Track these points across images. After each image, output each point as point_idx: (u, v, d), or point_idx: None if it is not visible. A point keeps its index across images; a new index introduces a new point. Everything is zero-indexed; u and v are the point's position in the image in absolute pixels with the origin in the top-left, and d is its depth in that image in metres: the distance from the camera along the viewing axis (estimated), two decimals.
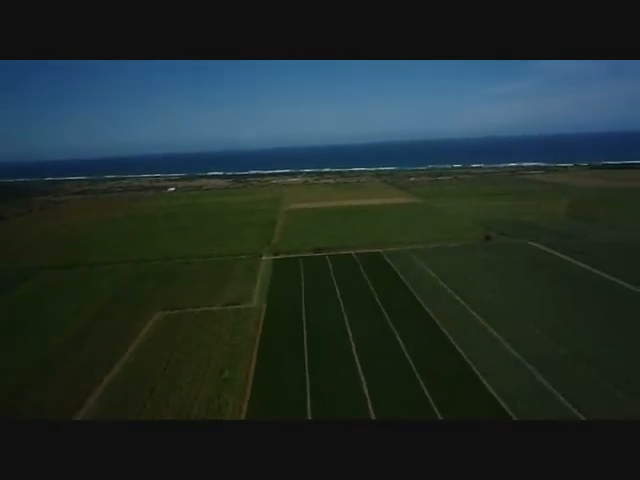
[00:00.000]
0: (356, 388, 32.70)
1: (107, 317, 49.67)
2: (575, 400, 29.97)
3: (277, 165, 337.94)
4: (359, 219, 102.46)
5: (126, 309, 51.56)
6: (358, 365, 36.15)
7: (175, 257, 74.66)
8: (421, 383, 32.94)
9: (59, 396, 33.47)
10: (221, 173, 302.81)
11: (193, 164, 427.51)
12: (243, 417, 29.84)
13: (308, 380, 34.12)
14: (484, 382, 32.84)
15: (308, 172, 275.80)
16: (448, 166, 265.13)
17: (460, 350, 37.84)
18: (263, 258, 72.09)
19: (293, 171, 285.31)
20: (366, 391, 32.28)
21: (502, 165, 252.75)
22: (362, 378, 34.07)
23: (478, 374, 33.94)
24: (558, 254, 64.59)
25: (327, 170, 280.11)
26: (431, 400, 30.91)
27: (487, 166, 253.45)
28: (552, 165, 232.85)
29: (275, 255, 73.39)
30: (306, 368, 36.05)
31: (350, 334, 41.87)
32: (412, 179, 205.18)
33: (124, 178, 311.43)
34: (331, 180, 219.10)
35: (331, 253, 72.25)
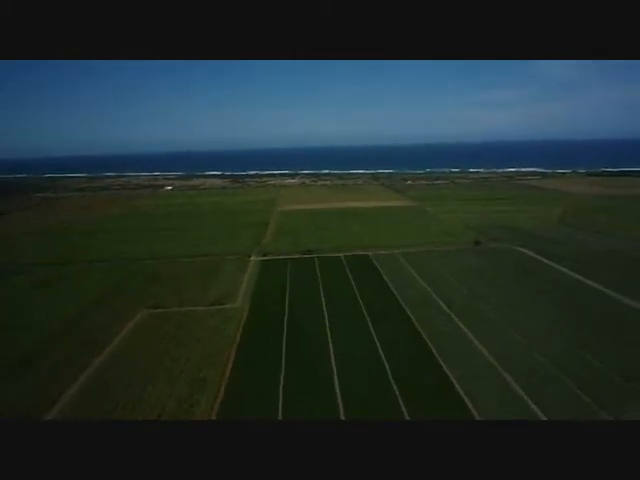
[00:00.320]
0: (328, 390, 32.88)
1: (91, 314, 49.85)
2: (540, 403, 30.22)
3: (276, 166, 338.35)
4: (352, 221, 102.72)
5: (111, 307, 51.73)
6: (334, 367, 36.37)
7: (165, 256, 74.89)
8: (395, 388, 33.09)
9: (31, 395, 33.58)
10: (219, 173, 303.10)
11: (193, 163, 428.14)
12: (214, 416, 30.07)
13: (282, 380, 34.32)
14: (457, 387, 33.07)
15: (306, 173, 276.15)
16: (446, 170, 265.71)
17: (438, 357, 38.05)
18: (252, 259, 72.30)
19: (291, 172, 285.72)
20: (338, 392, 32.49)
21: (500, 170, 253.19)
22: (335, 380, 34.28)
23: (450, 377, 34.20)
24: (544, 260, 64.82)
25: (326, 172, 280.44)
26: (404, 409, 31.08)
27: (485, 171, 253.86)
28: (550, 171, 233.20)
29: (264, 256, 73.61)
30: (282, 369, 36.26)
31: (329, 336, 42.09)
32: (409, 182, 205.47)
33: (123, 176, 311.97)
34: (328, 182, 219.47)
35: (320, 255, 72.47)
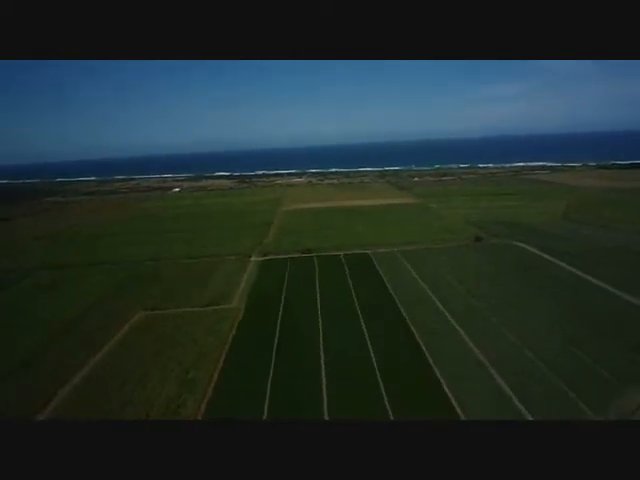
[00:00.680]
0: (315, 390, 33.01)
1: (90, 316, 50.60)
2: (526, 402, 30.03)
3: (284, 165, 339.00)
4: (355, 220, 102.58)
5: (110, 309, 52.45)
6: (322, 366, 36.51)
7: (166, 257, 75.65)
8: (381, 386, 33.12)
9: (26, 394, 34.28)
10: (228, 173, 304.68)
11: (202, 164, 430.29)
12: (200, 417, 30.41)
13: (270, 381, 34.53)
14: (444, 386, 33.00)
15: (314, 172, 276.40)
16: (454, 166, 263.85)
17: (427, 355, 37.96)
18: (252, 259, 72.69)
19: (299, 171, 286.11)
20: (325, 393, 32.61)
21: (509, 165, 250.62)
22: (323, 380, 34.40)
23: (439, 377, 34.13)
24: (545, 256, 64.15)
25: (333, 170, 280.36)
26: (388, 407, 31.11)
27: (494, 166, 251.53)
28: (559, 165, 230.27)
29: (264, 256, 73.97)
30: (271, 369, 36.49)
31: (321, 336, 42.22)
32: (416, 179, 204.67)
33: (132, 179, 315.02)
34: (335, 180, 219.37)
35: (319, 254, 72.60)
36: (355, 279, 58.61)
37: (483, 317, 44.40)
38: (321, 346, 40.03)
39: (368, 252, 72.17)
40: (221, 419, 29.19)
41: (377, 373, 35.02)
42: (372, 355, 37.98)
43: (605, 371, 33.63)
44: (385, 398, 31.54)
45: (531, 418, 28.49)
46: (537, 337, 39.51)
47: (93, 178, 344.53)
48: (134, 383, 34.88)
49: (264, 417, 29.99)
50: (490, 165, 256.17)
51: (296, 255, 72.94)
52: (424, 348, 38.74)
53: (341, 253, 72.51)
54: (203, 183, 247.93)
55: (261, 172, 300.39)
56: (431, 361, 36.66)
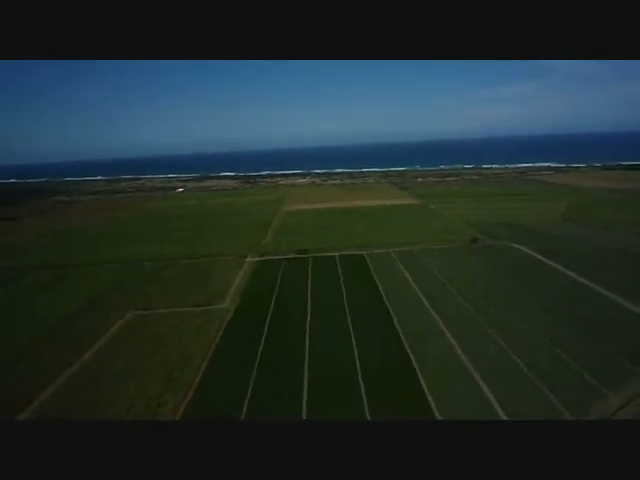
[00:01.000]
0: (296, 390, 33.16)
1: (82, 316, 51.04)
2: (504, 404, 29.98)
3: (289, 166, 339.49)
4: (354, 220, 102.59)
5: (103, 308, 52.91)
6: (306, 368, 36.64)
7: (162, 258, 76.09)
8: (362, 388, 33.19)
9: (10, 393, 34.76)
10: (232, 174, 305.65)
11: (208, 165, 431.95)
12: (178, 417, 30.65)
13: (252, 383, 34.70)
14: (423, 384, 33.01)
15: (318, 173, 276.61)
16: (459, 167, 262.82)
17: (411, 357, 37.97)
18: (247, 259, 72.98)
19: (303, 172, 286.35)
20: (305, 394, 32.76)
21: (513, 166, 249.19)
22: (305, 381, 34.53)
23: (419, 376, 34.14)
24: (540, 258, 63.84)
25: (338, 171, 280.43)
26: (367, 410, 31.19)
27: (498, 166, 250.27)
28: (564, 166, 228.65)
29: (260, 256, 74.24)
30: (254, 370, 36.67)
31: (307, 337, 42.35)
32: (419, 180, 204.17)
33: (139, 179, 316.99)
34: (338, 181, 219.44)
35: (315, 255, 72.72)
36: (347, 280, 58.66)
37: (470, 318, 44.30)
38: (306, 347, 40.16)
39: (363, 253, 72.18)
40: (219, 419, 29.39)
41: (359, 375, 35.09)
42: (356, 357, 38.06)
43: (588, 374, 33.48)
44: (365, 401, 31.59)
45: (501, 411, 28.50)
46: (522, 339, 39.38)
47: (100, 178, 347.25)
48: (118, 382, 35.24)
49: (242, 418, 30.21)
50: (495, 166, 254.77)
51: (291, 256, 73.11)
52: (408, 350, 38.76)
53: (336, 254, 72.57)
54: (207, 183, 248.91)
55: (266, 172, 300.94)
56: (413, 360, 36.78)
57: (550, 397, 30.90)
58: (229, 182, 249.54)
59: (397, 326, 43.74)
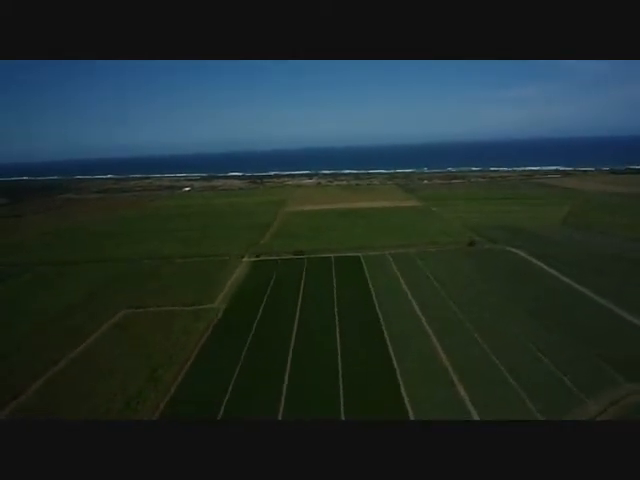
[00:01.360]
0: (275, 390, 33.41)
1: (75, 313, 51.73)
2: (478, 405, 29.97)
3: (298, 166, 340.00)
4: (354, 222, 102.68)
5: (95, 306, 53.60)
6: (288, 367, 36.89)
7: (160, 256, 76.84)
8: (340, 390, 33.34)
9: None
10: (240, 174, 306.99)
11: (218, 164, 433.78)
12: (158, 415, 31.05)
13: (233, 382, 34.98)
14: (400, 384, 33.09)
15: (325, 174, 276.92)
16: (466, 169, 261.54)
17: (393, 359, 38.05)
18: (244, 259, 73.42)
19: (310, 172, 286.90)
20: (284, 393, 33.01)
21: (521, 169, 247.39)
22: (285, 381, 34.78)
23: (399, 379, 34.22)
24: (535, 261, 63.47)
25: (345, 172, 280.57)
26: (342, 411, 31.35)
27: (506, 169, 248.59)
28: (572, 169, 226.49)
29: (257, 257, 74.63)
30: (236, 371, 36.96)
31: (293, 337, 42.61)
32: (425, 182, 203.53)
33: (148, 177, 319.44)
34: (344, 182, 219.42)
35: (311, 256, 72.94)
36: (340, 282, 58.82)
37: (457, 322, 44.22)
38: (290, 348, 40.41)
39: (359, 255, 72.25)
40: (214, 419, 29.69)
41: (339, 374, 35.30)
42: (339, 357, 38.24)
43: (569, 380, 33.34)
44: (342, 401, 31.77)
45: (476, 415, 28.51)
46: (507, 344, 39.27)
47: (110, 176, 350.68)
48: (100, 380, 35.74)
49: (219, 417, 30.52)
50: (502, 169, 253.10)
51: (287, 257, 73.42)
52: (391, 351, 38.86)
53: (332, 255, 72.73)
54: (214, 183, 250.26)
55: (273, 173, 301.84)
56: (394, 361, 36.97)
57: (526, 402, 30.84)
58: (236, 182, 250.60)
59: (383, 328, 43.83)
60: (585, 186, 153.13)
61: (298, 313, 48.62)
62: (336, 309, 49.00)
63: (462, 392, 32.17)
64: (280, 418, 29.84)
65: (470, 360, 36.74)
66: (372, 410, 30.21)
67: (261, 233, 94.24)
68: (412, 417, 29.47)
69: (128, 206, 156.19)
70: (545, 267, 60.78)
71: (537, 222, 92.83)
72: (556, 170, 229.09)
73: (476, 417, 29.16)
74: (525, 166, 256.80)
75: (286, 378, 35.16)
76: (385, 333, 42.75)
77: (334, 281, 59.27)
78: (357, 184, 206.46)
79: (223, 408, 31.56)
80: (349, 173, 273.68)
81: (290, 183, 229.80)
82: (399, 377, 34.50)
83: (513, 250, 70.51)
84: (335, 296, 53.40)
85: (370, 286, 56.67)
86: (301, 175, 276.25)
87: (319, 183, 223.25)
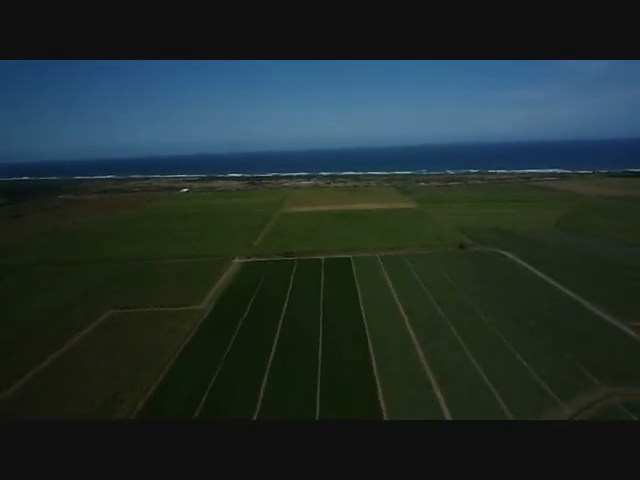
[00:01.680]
0: (253, 390, 33.73)
1: (64, 313, 52.11)
2: (455, 412, 30.26)
3: (298, 168, 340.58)
4: (348, 224, 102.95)
5: (84, 306, 53.95)
6: (268, 367, 37.22)
7: (152, 257, 77.22)
8: (317, 391, 33.64)
9: None
10: (239, 175, 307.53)
11: (218, 165, 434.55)
12: (135, 413, 31.38)
13: (212, 383, 35.27)
14: (377, 385, 33.39)
15: (323, 175, 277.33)
16: (464, 171, 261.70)
17: (372, 357, 38.35)
18: (234, 260, 73.75)
19: (309, 174, 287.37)
20: (261, 393, 33.33)
21: (520, 171, 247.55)
22: (264, 381, 35.10)
23: (376, 376, 34.52)
24: (523, 264, 63.70)
25: (343, 173, 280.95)
26: (317, 411, 31.66)
27: (504, 172, 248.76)
28: (570, 172, 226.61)
29: (247, 258, 74.96)
30: (216, 372, 37.25)
31: (277, 337, 42.92)
32: (422, 184, 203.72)
33: (148, 178, 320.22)
34: (342, 184, 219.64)
35: (301, 257, 73.26)
36: (328, 283, 59.13)
37: (439, 324, 44.51)
38: (273, 348, 40.74)
39: (350, 257, 72.54)
40: (209, 419, 29.99)
41: (318, 372, 35.63)
42: (319, 357, 38.57)
43: (545, 384, 33.61)
44: (318, 398, 32.10)
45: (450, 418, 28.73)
46: (487, 346, 39.56)
47: (110, 176, 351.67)
48: (81, 379, 36.11)
49: (195, 417, 30.84)
50: (501, 171, 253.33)
51: (278, 258, 73.75)
52: (371, 351, 39.18)
53: (323, 257, 73.03)
54: (213, 184, 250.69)
55: (272, 174, 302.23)
56: (373, 361, 37.38)
57: (500, 404, 31.12)
58: (234, 183, 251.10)
59: (366, 329, 44.12)
60: (582, 189, 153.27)
61: (283, 314, 48.92)
62: (321, 311, 49.26)
63: (438, 394, 32.45)
64: (255, 418, 30.22)
65: (449, 362, 37.00)
66: (346, 407, 30.57)
67: (255, 234, 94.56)
68: (385, 414, 29.86)
69: (125, 207, 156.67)
70: (532, 270, 61.02)
71: (530, 225, 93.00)
72: (554, 173, 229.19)
73: (448, 416, 29.53)
74: (524, 169, 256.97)
75: (265, 379, 35.45)
76: (367, 333, 43.08)
77: (322, 283, 59.54)
78: (354, 186, 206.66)
79: (200, 407, 31.86)
80: (348, 175, 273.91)
81: (288, 184, 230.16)
82: (376, 377, 34.81)
83: (502, 253, 70.78)
84: (321, 298, 53.69)
85: (357, 287, 56.96)
86: (299, 176, 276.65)
87: (317, 185, 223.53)
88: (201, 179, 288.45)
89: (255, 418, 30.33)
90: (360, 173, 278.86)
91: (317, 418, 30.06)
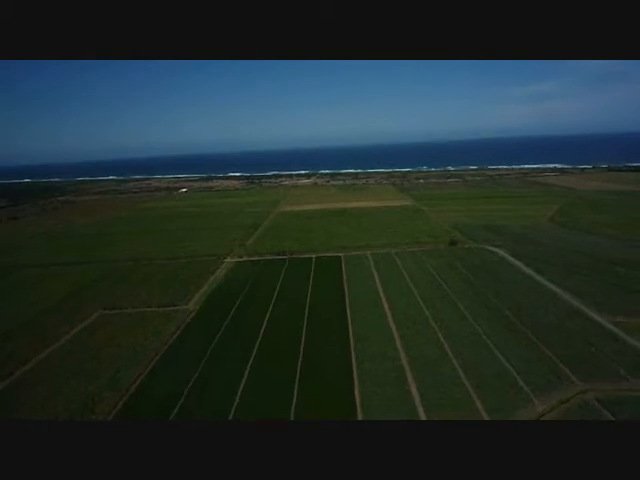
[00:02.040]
0: (231, 389, 33.96)
1: (52, 314, 52.44)
2: (426, 398, 30.41)
3: (298, 166, 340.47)
4: (342, 222, 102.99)
5: (71, 308, 54.25)
6: (248, 366, 37.45)
7: (144, 257, 77.55)
8: (295, 390, 33.81)
9: None
10: (239, 174, 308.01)
11: (219, 165, 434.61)
12: (114, 413, 31.67)
13: (192, 383, 35.48)
14: (355, 382, 33.54)
15: (323, 173, 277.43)
16: (464, 167, 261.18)
17: (353, 355, 38.51)
18: (226, 260, 73.99)
19: (309, 172, 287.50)
20: (239, 393, 33.55)
21: (519, 167, 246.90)
22: (243, 380, 35.32)
23: (354, 373, 34.69)
24: (512, 261, 63.65)
25: (343, 171, 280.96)
26: (292, 412, 31.85)
27: (504, 167, 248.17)
28: (570, 167, 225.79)
29: (239, 257, 75.20)
30: (199, 369, 37.51)
31: (260, 337, 43.15)
32: (421, 181, 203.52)
33: (148, 179, 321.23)
34: (341, 182, 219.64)
35: (292, 256, 73.43)
36: (316, 282, 59.29)
37: (421, 322, 44.59)
38: (255, 348, 40.96)
39: (341, 255, 72.66)
40: (206, 420, 30.11)
41: (297, 370, 35.86)
42: (300, 354, 38.79)
43: (522, 380, 33.67)
44: (294, 399, 32.28)
45: (425, 417, 28.88)
46: (469, 344, 39.61)
47: (112, 177, 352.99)
48: (62, 380, 36.40)
49: (172, 417, 31.08)
50: (500, 167, 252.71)
51: (270, 257, 73.95)
52: (352, 349, 39.35)
53: (314, 256, 73.18)
54: (212, 184, 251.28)
55: (271, 173, 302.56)
56: (353, 359, 37.59)
57: (475, 401, 31.21)
58: (233, 182, 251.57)
59: (349, 326, 44.29)
60: (582, 184, 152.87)
61: (269, 313, 49.13)
62: (307, 310, 49.42)
63: (414, 391, 32.58)
64: (231, 418, 30.44)
65: (428, 360, 37.08)
66: (322, 404, 30.79)
67: (249, 234, 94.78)
68: (359, 411, 30.03)
69: (122, 207, 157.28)
70: (522, 266, 60.96)
71: (525, 221, 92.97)
72: (554, 168, 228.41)
73: (422, 416, 29.65)
74: (524, 164, 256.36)
75: (244, 379, 35.67)
76: (350, 330, 43.28)
77: (310, 281, 59.71)
78: (353, 184, 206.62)
79: (176, 410, 32.10)
80: (347, 172, 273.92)
81: (286, 183, 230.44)
82: (355, 375, 35.04)
83: (492, 249, 70.72)
84: (308, 296, 53.87)
85: (345, 285, 57.09)
86: (299, 175, 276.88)
87: (315, 183, 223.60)
88: (201, 179, 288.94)
89: (230, 417, 30.54)
90: (360, 171, 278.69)
91: (292, 415, 30.24)
